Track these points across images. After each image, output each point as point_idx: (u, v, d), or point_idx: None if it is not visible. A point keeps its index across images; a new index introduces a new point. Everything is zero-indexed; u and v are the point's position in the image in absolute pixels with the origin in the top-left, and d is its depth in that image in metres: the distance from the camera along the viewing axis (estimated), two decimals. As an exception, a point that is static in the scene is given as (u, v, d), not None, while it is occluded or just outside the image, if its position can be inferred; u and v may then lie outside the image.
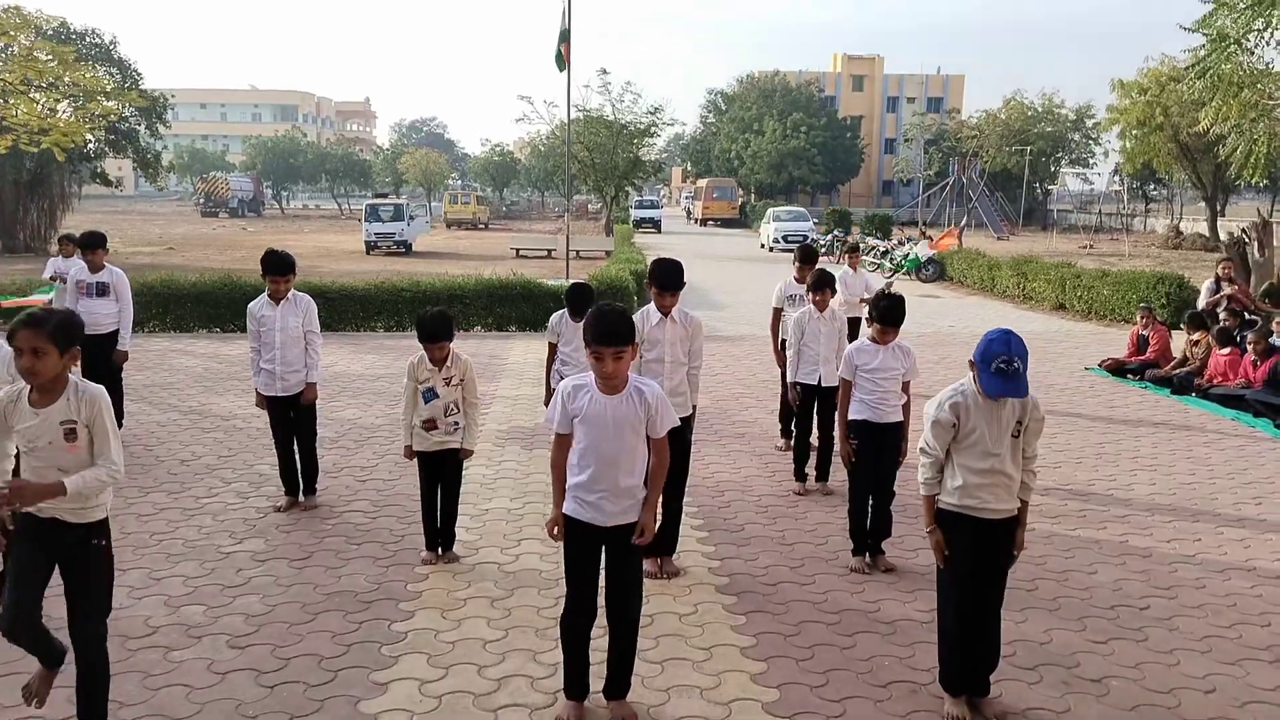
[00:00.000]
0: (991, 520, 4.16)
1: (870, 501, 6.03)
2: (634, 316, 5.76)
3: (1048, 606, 5.41)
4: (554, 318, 7.57)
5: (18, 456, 3.84)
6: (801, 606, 5.38)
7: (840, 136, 70.54)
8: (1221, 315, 12.50)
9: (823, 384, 7.42)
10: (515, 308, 15.87)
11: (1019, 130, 59.47)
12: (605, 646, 4.20)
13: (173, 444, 8.58)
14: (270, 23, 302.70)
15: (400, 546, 6.17)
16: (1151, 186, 58.78)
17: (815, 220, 45.09)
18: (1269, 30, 17.22)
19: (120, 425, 5.09)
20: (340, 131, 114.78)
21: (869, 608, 5.38)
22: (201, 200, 68.24)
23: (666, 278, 5.66)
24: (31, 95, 18.97)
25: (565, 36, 21.40)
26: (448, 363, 5.83)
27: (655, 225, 54.13)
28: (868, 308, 6.36)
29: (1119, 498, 7.48)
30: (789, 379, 7.79)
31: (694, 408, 5.94)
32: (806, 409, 7.70)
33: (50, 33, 31.47)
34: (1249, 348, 10.94)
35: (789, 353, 7.78)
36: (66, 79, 19.98)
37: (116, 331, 8.69)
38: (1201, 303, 13.95)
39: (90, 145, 33.86)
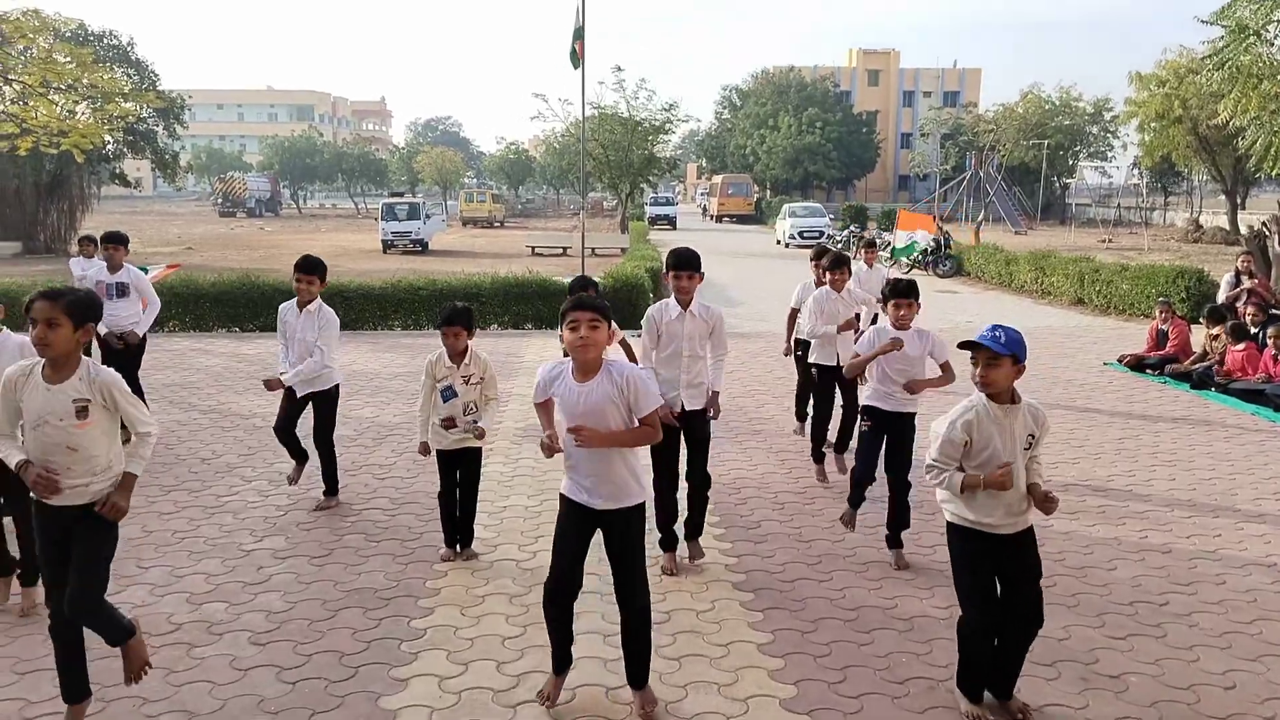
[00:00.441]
0: (1004, 535, 4.07)
1: (886, 484, 6.06)
2: (651, 309, 5.80)
3: (1066, 603, 5.39)
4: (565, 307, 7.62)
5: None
6: (819, 603, 5.39)
7: (856, 131, 70.30)
8: (1246, 309, 12.39)
9: (841, 364, 7.45)
10: (531, 305, 15.93)
11: (1036, 124, 59.05)
12: (601, 637, 4.23)
13: (193, 442, 8.65)
14: (286, 23, 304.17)
15: (419, 544, 6.21)
16: (1170, 179, 58.29)
17: (831, 216, 44.97)
18: (1289, 21, 17.08)
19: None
20: (356, 131, 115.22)
21: (886, 604, 5.38)
22: (219, 200, 68.73)
23: (680, 258, 5.67)
24: (51, 97, 19.11)
25: (579, 34, 21.43)
26: (466, 360, 5.84)
27: (670, 222, 54.16)
28: (881, 301, 6.40)
29: (1138, 493, 7.45)
30: (809, 358, 8.00)
31: (715, 393, 5.89)
32: (826, 392, 7.83)
33: (69, 35, 31.71)
34: (1269, 342, 10.86)
35: (806, 333, 8.00)
36: (85, 80, 20.10)
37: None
38: (1221, 297, 13.87)
39: (109, 146, 34.15)
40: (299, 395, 6.81)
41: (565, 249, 33.19)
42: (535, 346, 14.05)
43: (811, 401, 8.20)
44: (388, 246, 35.33)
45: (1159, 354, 12.44)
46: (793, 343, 8.88)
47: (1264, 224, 18.14)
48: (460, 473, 5.97)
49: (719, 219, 63.33)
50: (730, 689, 4.43)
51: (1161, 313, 12.90)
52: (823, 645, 4.87)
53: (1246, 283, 13.52)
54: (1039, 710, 4.27)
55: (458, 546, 6.02)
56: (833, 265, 7.90)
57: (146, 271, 10.53)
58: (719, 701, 4.32)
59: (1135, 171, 57.26)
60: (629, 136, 42.07)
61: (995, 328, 3.98)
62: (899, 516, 6.03)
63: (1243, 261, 14.06)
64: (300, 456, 7.04)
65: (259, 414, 9.62)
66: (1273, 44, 18.04)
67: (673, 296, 5.75)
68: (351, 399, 10.26)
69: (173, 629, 4.98)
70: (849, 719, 4.21)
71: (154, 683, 4.36)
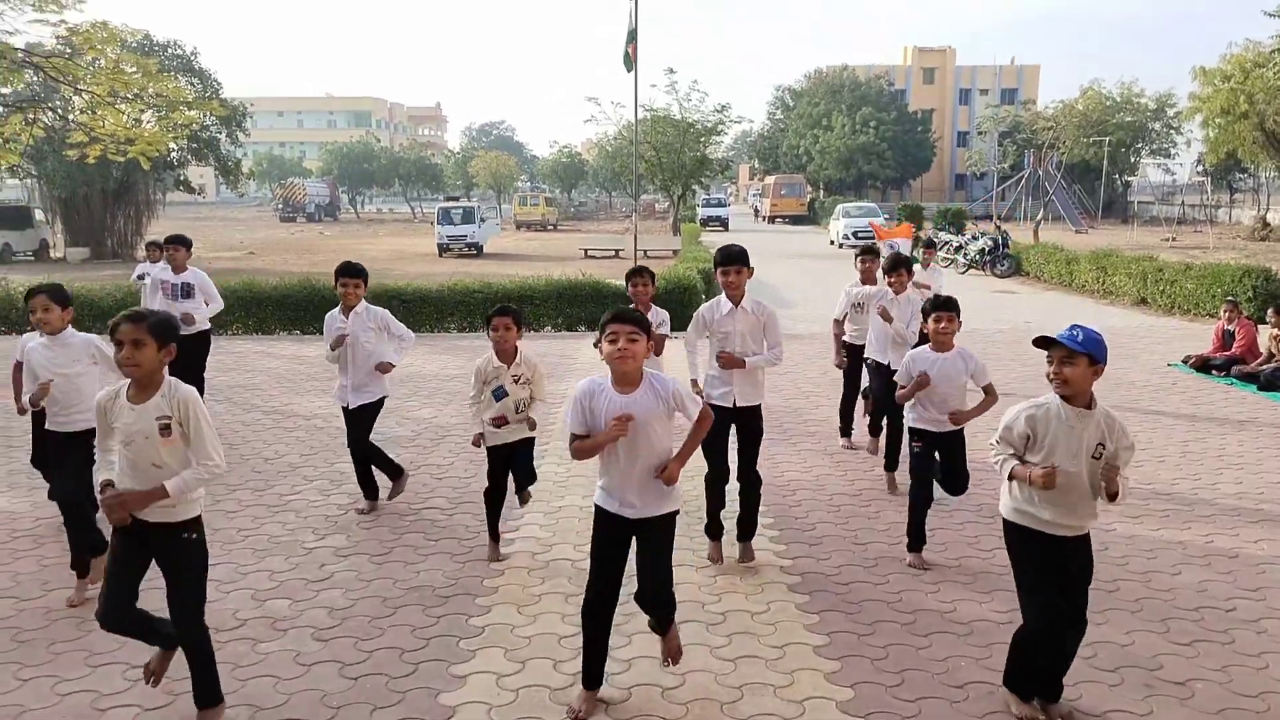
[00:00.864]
0: (1058, 538, 4.01)
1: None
2: (702, 308, 5.83)
3: (1130, 608, 5.30)
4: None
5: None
6: (875, 606, 5.36)
7: (911, 130, 69.52)
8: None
9: (894, 367, 7.34)
10: (584, 308, 16.01)
11: (1097, 121, 57.79)
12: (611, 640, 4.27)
13: (256, 443, 8.84)
14: (344, 31, 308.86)
15: (476, 543, 6.28)
16: (1236, 176, 56.76)
17: (885, 216, 44.55)
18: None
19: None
20: (412, 136, 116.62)
21: (945, 608, 5.33)
22: (280, 205, 70.01)
23: (727, 254, 5.71)
24: (118, 106, 19.58)
25: (632, 37, 21.51)
26: (516, 360, 5.87)
27: (723, 224, 53.99)
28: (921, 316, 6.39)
29: (1204, 497, 7.29)
30: (865, 356, 8.17)
31: (743, 361, 5.71)
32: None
33: (135, 45, 32.49)
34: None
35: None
36: (150, 90, 20.57)
37: (202, 333, 8.97)
38: (1290, 296, 13.50)
39: (173, 154, 34.93)
40: (352, 407, 6.81)
41: (618, 251, 33.29)
42: (589, 348, 14.12)
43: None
44: (443, 250, 35.71)
45: (1225, 355, 12.15)
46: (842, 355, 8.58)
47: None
48: (515, 459, 5.96)
49: (771, 220, 63.06)
50: (786, 690, 4.43)
51: (1227, 312, 12.60)
52: (880, 648, 4.85)
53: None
54: (1101, 717, 4.20)
55: (519, 493, 6.09)
56: (890, 268, 7.77)
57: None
58: (775, 703, 4.32)
59: (1199, 168, 55.90)
60: (681, 138, 42.10)
61: (1074, 327, 3.94)
62: (956, 484, 6.11)
63: (1313, 260, 13.69)
64: (373, 493, 7.03)
65: (320, 415, 9.80)
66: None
67: (723, 294, 5.78)
68: (409, 400, 10.42)
69: (238, 624, 5.11)
70: (906, 722, 4.18)
71: (221, 676, 4.47)
